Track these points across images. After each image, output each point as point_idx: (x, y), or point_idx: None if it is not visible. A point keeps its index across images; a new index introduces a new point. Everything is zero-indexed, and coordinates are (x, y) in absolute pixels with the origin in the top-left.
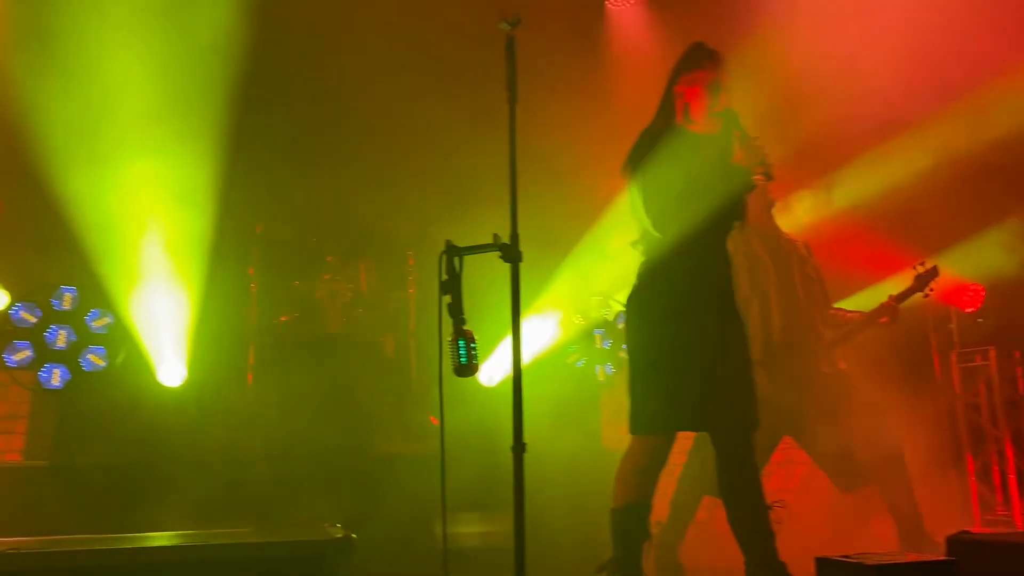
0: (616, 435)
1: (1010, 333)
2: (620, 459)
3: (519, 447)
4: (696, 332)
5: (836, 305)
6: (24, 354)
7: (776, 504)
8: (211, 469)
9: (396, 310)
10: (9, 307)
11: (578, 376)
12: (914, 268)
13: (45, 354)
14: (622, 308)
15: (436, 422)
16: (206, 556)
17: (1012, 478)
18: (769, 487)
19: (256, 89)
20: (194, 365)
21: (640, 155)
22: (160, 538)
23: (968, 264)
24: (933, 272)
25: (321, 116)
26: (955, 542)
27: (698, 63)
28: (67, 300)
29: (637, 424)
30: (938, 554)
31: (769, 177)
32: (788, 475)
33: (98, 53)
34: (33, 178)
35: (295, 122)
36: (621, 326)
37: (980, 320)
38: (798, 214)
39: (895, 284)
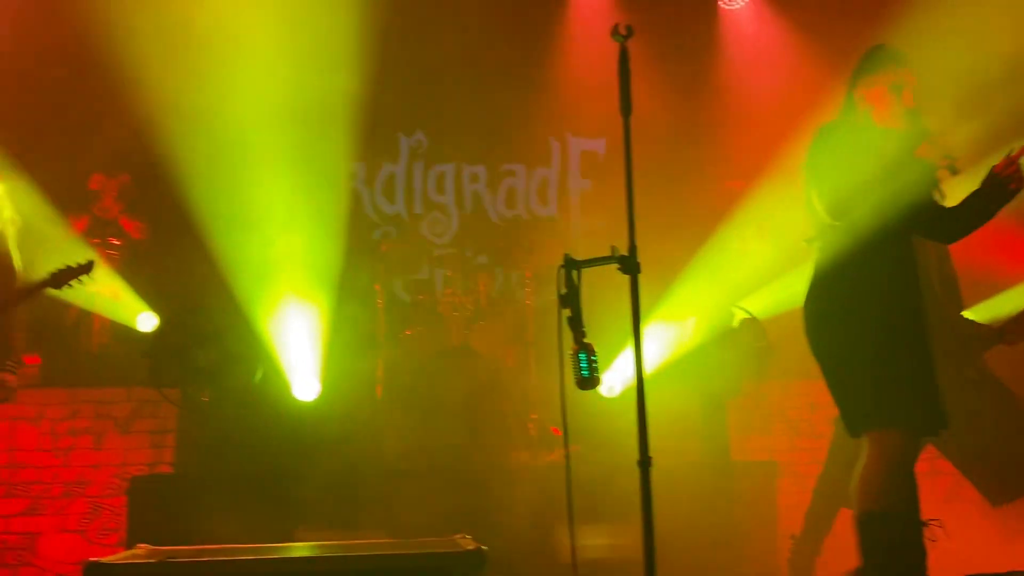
0: (744, 446)
1: None
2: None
3: (645, 461)
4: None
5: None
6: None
7: (932, 522)
8: (344, 480)
9: (515, 322)
10: (157, 328)
11: (703, 386)
12: None
13: (191, 372)
14: (745, 315)
15: (558, 433)
16: (344, 567)
17: None
18: None
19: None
20: (327, 379)
21: (819, 150)
22: (300, 548)
23: None
24: None
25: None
26: None
27: (879, 66)
28: (209, 319)
29: (911, 420)
30: None
31: (955, 171)
32: (932, 486)
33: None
34: (174, 203)
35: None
36: (745, 333)
37: None
38: None
39: None
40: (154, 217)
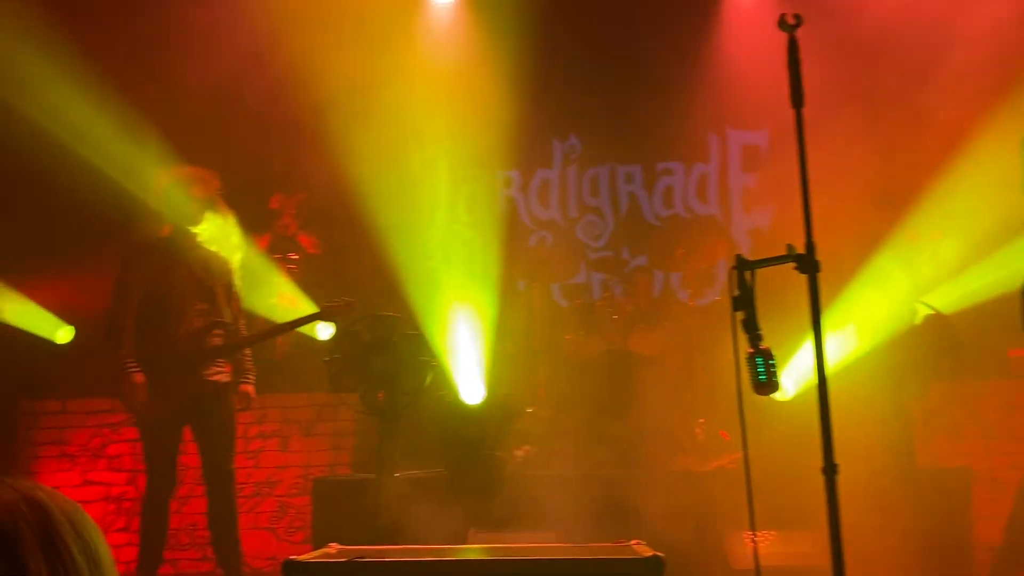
0: (933, 451)
1: None
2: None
3: (831, 467)
4: None
5: None
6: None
7: None
8: (510, 482)
9: (678, 324)
10: (334, 337)
11: (884, 388)
12: None
13: (367, 378)
14: (930, 311)
15: (727, 438)
16: (530, 570)
17: None
18: None
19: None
20: (491, 384)
21: None
22: (481, 551)
23: None
24: None
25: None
26: None
27: None
28: (383, 329)
29: None
30: None
31: None
32: None
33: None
34: (344, 217)
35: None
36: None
37: None
38: None
39: None
40: (327, 231)
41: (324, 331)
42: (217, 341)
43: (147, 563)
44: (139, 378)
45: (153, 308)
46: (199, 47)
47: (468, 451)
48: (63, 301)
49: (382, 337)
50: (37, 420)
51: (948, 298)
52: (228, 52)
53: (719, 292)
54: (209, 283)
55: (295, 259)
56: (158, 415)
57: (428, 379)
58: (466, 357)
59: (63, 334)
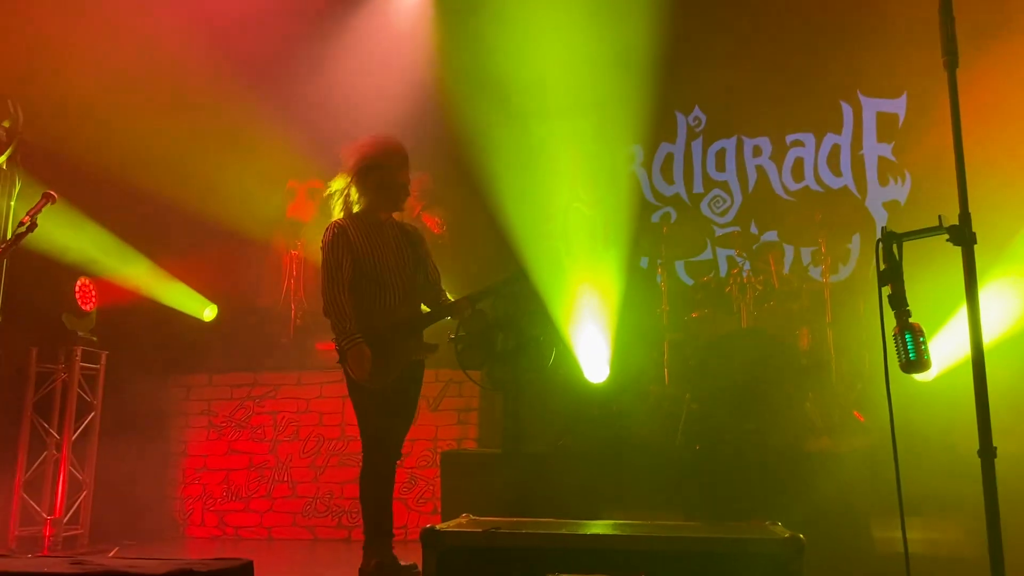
0: None
1: None
2: None
3: (988, 450)
4: None
5: None
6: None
7: None
8: (635, 460)
9: (810, 302)
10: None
11: None
12: None
13: (492, 355)
14: None
15: (862, 419)
16: (666, 548)
17: None
18: None
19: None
20: (615, 363)
21: None
22: (608, 526)
23: None
24: None
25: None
26: None
27: None
28: (507, 307)
29: None
30: None
31: None
32: None
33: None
34: (471, 196)
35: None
36: None
37: None
38: None
39: None
40: (451, 211)
41: None
42: (424, 309)
43: (376, 535)
44: (367, 349)
45: (365, 282)
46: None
47: (593, 430)
48: (208, 282)
49: (507, 315)
50: (187, 393)
51: None
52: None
53: (852, 267)
54: (409, 253)
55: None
56: (384, 384)
57: (551, 357)
58: (591, 336)
59: (209, 312)
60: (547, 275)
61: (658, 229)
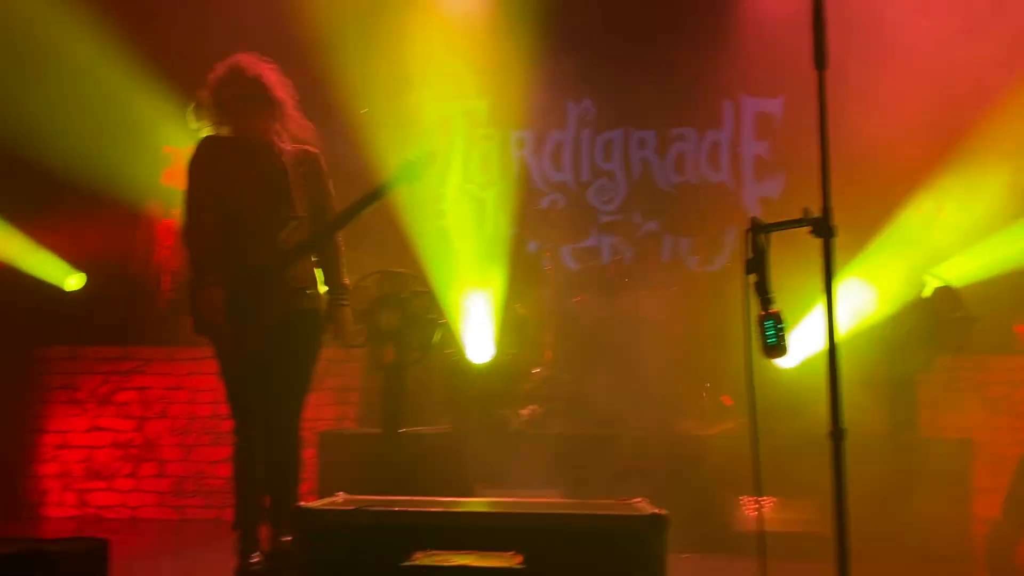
0: (936, 423)
1: None
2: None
3: (838, 433)
4: None
5: None
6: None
7: None
8: (514, 440)
9: (685, 290)
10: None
11: (891, 358)
12: None
13: (375, 334)
14: (940, 283)
15: (730, 403)
16: (530, 524)
17: None
18: None
19: None
20: (499, 344)
21: None
22: (482, 503)
23: None
24: None
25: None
26: None
27: None
28: (392, 285)
29: None
30: None
31: None
32: None
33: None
34: (361, 173)
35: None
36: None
37: None
38: None
39: None
40: (340, 188)
41: None
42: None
43: (243, 516)
44: (217, 292)
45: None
46: None
47: (474, 410)
48: (74, 247)
49: (391, 293)
50: (47, 366)
51: (958, 271)
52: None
53: (727, 259)
54: (281, 181)
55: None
56: (244, 348)
57: (436, 337)
58: (475, 316)
59: (74, 281)
60: (434, 255)
61: (546, 215)
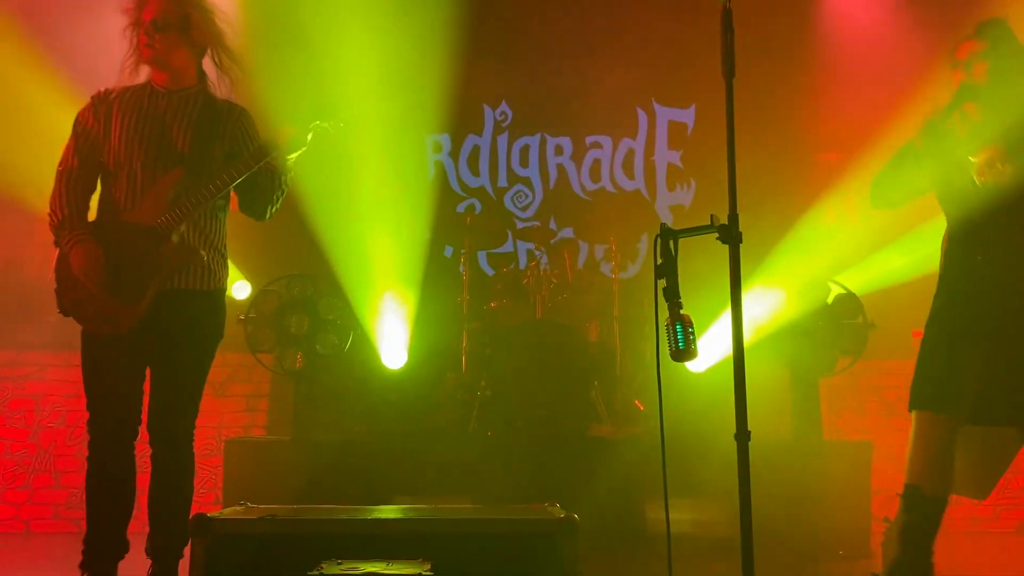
0: (837, 426)
1: None
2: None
3: (743, 434)
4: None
5: None
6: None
7: None
8: (429, 447)
9: (600, 296)
10: (251, 296)
11: (794, 363)
12: None
13: (285, 339)
14: (842, 290)
15: (641, 407)
16: (440, 530)
17: None
18: None
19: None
20: (414, 349)
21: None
22: (391, 511)
23: None
24: None
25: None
26: None
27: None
28: (302, 289)
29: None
30: None
31: None
32: None
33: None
34: None
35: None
36: (840, 310)
37: None
38: None
39: None
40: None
41: (240, 289)
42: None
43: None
44: (96, 248)
45: (100, 173)
46: None
47: (389, 415)
48: None
49: (300, 297)
50: None
51: (859, 279)
52: None
53: (640, 266)
54: (185, 131)
55: None
56: (118, 328)
57: (348, 342)
58: (389, 322)
59: None
60: (348, 258)
61: (462, 219)
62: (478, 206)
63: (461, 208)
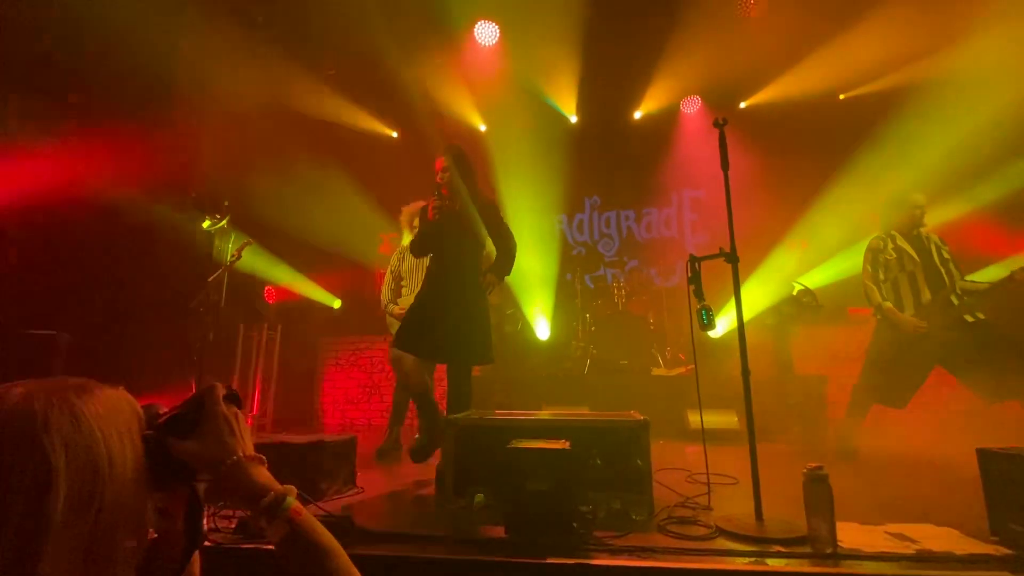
0: (803, 366)
1: None
2: None
3: (746, 373)
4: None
5: (968, 277)
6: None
7: None
8: (564, 380)
9: (653, 297)
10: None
11: (775, 330)
12: None
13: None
14: (801, 287)
15: (683, 358)
16: (571, 424)
17: None
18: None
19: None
20: (553, 329)
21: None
22: (545, 413)
23: None
24: None
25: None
26: None
27: None
28: (504, 298)
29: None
30: None
31: None
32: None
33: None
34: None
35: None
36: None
37: None
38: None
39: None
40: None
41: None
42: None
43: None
44: None
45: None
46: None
47: (544, 362)
48: (335, 284)
49: (498, 303)
50: (324, 346)
51: (813, 279)
52: None
53: (678, 279)
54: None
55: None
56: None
57: (519, 325)
58: (540, 315)
59: (337, 304)
60: (516, 280)
61: (576, 259)
62: (583, 251)
63: (574, 252)
